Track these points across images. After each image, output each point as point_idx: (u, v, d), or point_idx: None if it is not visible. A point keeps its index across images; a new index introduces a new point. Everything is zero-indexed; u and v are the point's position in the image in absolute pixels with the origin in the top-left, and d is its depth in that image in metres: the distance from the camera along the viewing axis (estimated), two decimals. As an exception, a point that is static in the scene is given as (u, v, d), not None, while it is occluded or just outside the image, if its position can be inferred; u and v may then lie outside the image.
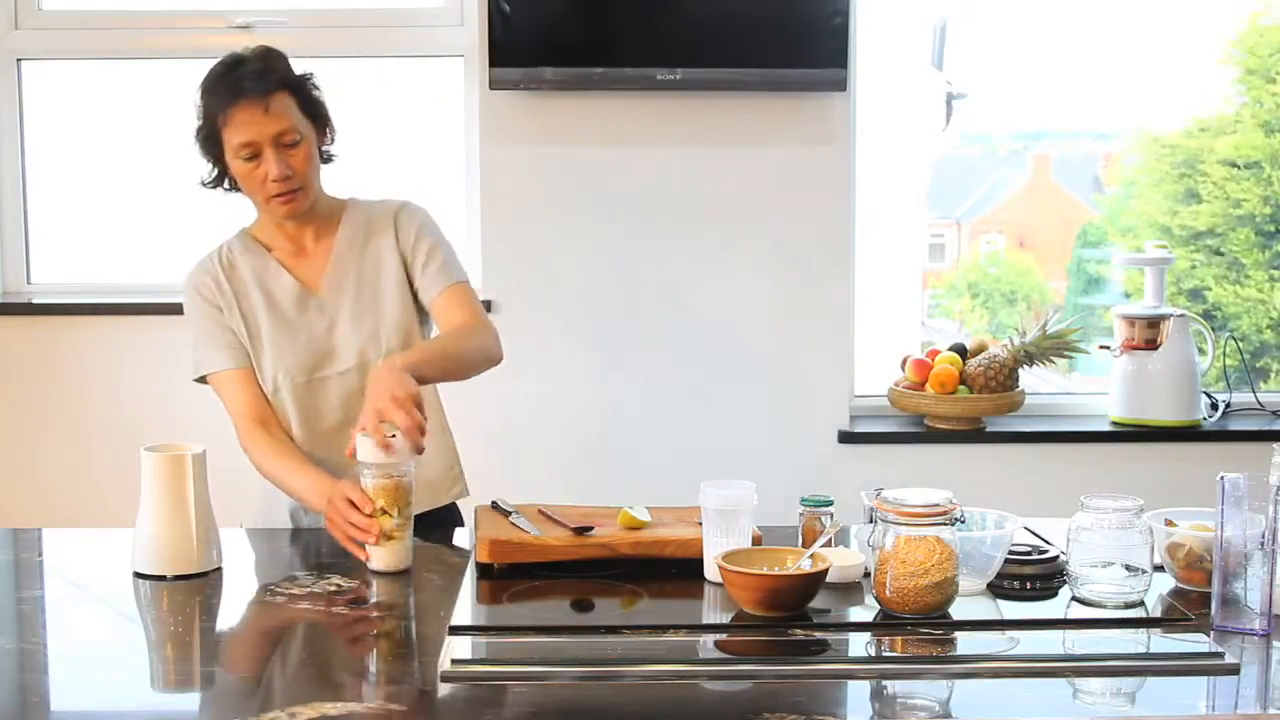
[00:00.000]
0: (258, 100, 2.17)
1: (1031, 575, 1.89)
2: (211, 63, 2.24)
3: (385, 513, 1.97)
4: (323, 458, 2.23)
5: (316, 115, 2.28)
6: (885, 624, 1.73)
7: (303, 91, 2.25)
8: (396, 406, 1.96)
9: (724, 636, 1.73)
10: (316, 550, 2.16)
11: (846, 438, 3.47)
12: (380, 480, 1.98)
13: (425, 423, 1.99)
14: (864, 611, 1.78)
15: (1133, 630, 1.75)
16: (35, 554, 2.17)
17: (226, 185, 2.29)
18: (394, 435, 1.97)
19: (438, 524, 2.33)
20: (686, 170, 3.43)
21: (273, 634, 1.81)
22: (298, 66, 2.27)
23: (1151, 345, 3.46)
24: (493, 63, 3.30)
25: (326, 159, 2.33)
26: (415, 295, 2.33)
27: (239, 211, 2.36)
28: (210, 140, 2.23)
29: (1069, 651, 1.70)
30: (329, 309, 2.29)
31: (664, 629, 1.71)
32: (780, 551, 1.82)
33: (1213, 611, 1.73)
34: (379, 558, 1.99)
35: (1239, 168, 3.86)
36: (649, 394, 3.46)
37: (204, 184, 2.30)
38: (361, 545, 2.00)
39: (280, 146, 2.19)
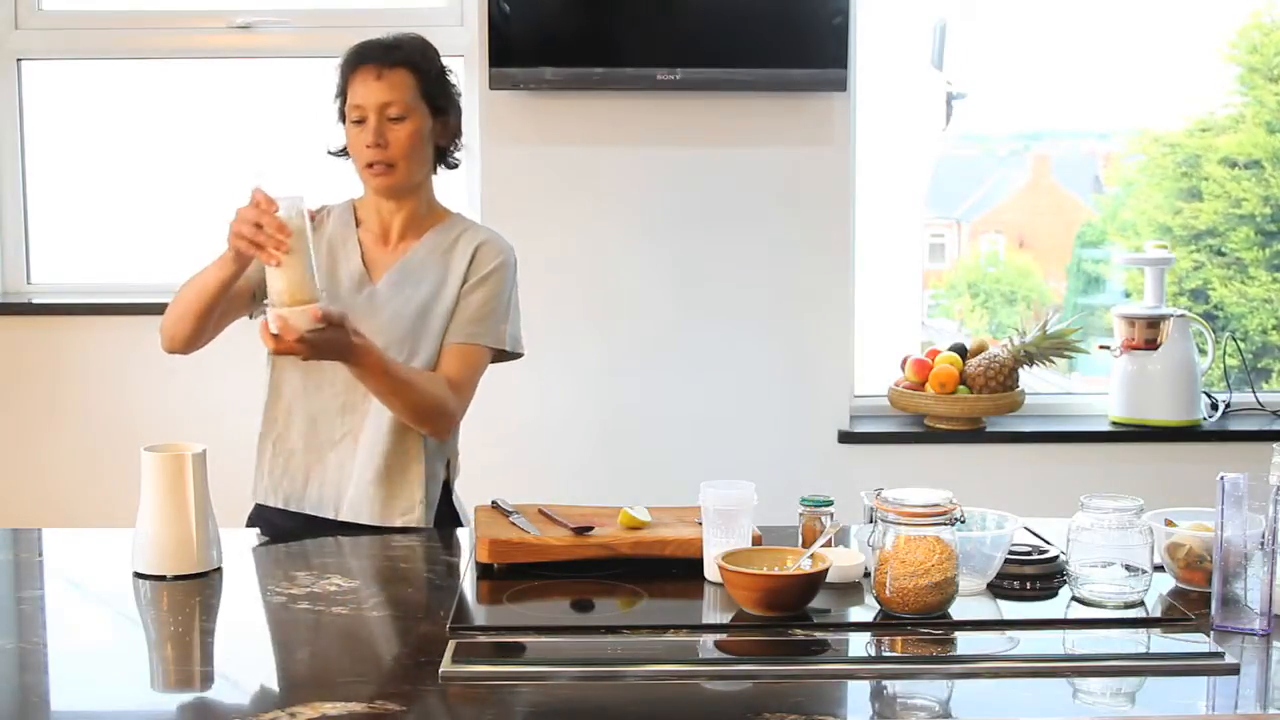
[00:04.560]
0: (375, 68, 2.24)
1: (1031, 575, 1.89)
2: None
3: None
4: (323, 438, 2.26)
5: (436, 108, 2.30)
6: (885, 624, 1.73)
7: (428, 78, 2.28)
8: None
9: (724, 636, 1.73)
10: (317, 550, 2.16)
11: (846, 438, 3.47)
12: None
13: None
14: (864, 611, 1.78)
15: (1133, 630, 1.75)
16: (35, 554, 2.17)
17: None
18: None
19: (436, 524, 2.31)
20: (686, 170, 3.43)
21: (273, 634, 1.81)
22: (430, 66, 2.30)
23: (1151, 345, 3.46)
24: (493, 63, 3.30)
25: (448, 162, 2.35)
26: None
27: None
28: (341, 107, 2.30)
29: (1069, 651, 1.70)
30: (377, 305, 2.28)
31: (664, 629, 1.71)
32: (780, 551, 1.82)
33: (1213, 611, 1.73)
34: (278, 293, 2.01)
35: (1240, 167, 3.86)
36: (649, 394, 3.46)
37: (330, 153, 2.36)
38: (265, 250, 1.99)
39: (385, 118, 2.23)
